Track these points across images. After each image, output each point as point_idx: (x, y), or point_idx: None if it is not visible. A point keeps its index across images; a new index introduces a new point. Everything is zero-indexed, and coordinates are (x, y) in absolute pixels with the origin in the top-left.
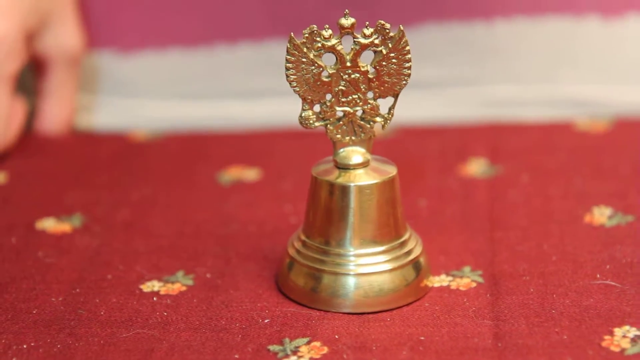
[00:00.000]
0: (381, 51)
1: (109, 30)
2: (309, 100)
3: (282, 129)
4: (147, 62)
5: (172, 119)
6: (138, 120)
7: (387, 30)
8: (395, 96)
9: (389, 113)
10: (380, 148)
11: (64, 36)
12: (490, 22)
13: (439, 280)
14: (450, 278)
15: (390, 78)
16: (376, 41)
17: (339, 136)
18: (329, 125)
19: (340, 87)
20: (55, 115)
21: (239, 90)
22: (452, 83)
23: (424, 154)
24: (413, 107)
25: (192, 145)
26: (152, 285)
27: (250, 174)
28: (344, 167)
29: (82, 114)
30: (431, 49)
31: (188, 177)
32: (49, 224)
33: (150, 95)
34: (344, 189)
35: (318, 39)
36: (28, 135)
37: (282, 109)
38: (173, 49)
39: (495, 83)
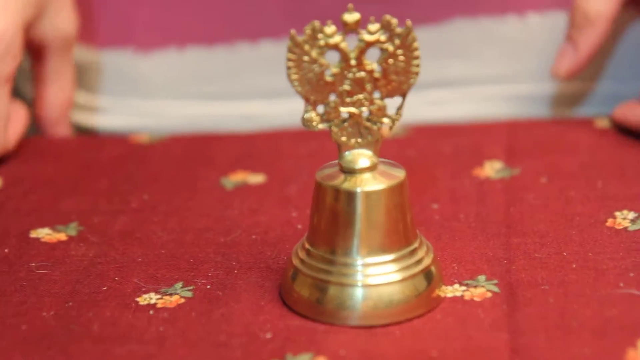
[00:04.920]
0: (387, 48)
1: (128, 29)
2: (312, 101)
3: (292, 129)
4: (167, 60)
5: (191, 118)
6: (156, 120)
7: (394, 26)
8: (404, 95)
9: (396, 113)
10: (394, 148)
11: (60, 20)
12: (523, 16)
13: (452, 290)
14: (463, 288)
15: (398, 76)
16: (382, 38)
17: (344, 138)
18: (333, 127)
19: (345, 87)
20: (56, 100)
21: (259, 90)
22: (483, 81)
23: (438, 154)
24: (441, 107)
25: (196, 147)
26: (149, 298)
27: (256, 177)
28: (349, 172)
29: (98, 115)
30: (461, 45)
31: (190, 181)
32: (43, 234)
33: (170, 94)
34: (350, 195)
35: (320, 36)
36: (28, 138)
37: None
38: (193, 47)
39: (528, 81)
